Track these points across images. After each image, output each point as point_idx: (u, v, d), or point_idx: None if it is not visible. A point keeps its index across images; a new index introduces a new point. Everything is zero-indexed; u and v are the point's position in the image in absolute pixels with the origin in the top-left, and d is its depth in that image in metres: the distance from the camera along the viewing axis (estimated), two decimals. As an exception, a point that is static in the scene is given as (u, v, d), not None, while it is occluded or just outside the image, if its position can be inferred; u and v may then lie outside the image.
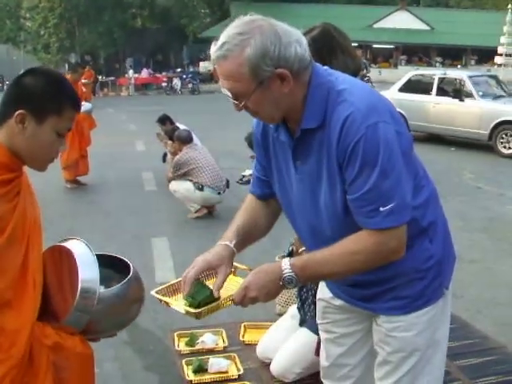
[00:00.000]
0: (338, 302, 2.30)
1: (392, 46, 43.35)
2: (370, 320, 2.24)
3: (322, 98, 1.89)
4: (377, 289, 2.09)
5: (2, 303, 1.85)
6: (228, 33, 1.86)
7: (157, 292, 2.13)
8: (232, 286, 2.13)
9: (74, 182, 10.01)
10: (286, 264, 1.92)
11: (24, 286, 1.93)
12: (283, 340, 3.87)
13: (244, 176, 9.63)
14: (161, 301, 2.12)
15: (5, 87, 59.77)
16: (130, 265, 2.24)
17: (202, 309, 2.00)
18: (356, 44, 37.37)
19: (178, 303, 2.09)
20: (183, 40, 47.42)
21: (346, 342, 2.35)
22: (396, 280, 2.06)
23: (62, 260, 2.14)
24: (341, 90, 1.88)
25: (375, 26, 43.93)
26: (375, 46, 42.28)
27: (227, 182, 8.03)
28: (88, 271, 2.03)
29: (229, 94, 1.89)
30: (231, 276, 2.19)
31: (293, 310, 4.05)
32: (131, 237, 7.04)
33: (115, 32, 46.89)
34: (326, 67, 2.00)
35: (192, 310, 1.99)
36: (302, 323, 3.90)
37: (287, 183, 2.09)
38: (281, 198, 2.19)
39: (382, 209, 1.84)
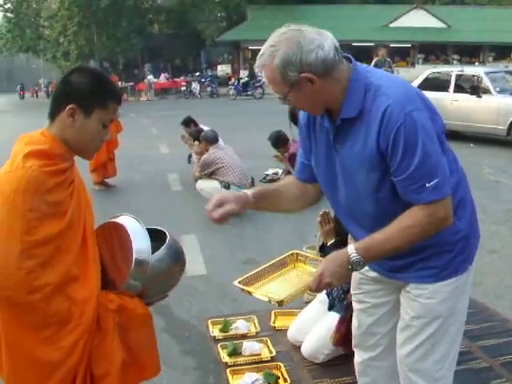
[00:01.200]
0: (372, 274, 2.56)
1: (409, 45, 43.19)
2: (399, 291, 2.49)
3: (361, 91, 2.19)
4: (410, 259, 2.34)
5: (69, 278, 2.10)
6: (266, 44, 2.22)
7: (239, 282, 2.44)
8: (306, 275, 2.44)
9: (102, 184, 10.29)
10: (351, 249, 2.19)
11: (86, 261, 2.18)
12: (313, 323, 4.10)
13: (267, 175, 9.89)
14: (243, 290, 2.41)
15: (25, 96, 60.70)
16: (166, 232, 2.48)
17: (284, 296, 2.25)
18: (372, 44, 37.53)
19: (261, 291, 2.37)
20: (200, 44, 47.80)
21: (377, 312, 2.62)
22: (427, 251, 2.31)
23: (112, 234, 2.40)
24: (379, 85, 2.18)
25: (391, 25, 43.88)
26: (392, 45, 42.21)
27: (252, 180, 8.28)
28: (140, 242, 2.27)
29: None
30: (303, 265, 2.47)
31: (321, 295, 4.27)
32: (161, 234, 7.27)
33: (133, 38, 47.30)
34: (365, 65, 2.33)
35: (276, 298, 2.25)
36: (330, 307, 4.14)
37: (327, 164, 2.37)
38: (321, 178, 2.47)
39: (427, 184, 2.11)
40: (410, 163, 2.10)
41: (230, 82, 37.85)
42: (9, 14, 53.37)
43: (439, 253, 2.33)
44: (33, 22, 52.00)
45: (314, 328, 4.05)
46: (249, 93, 34.07)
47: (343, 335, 3.64)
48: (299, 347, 4.12)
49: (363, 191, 2.27)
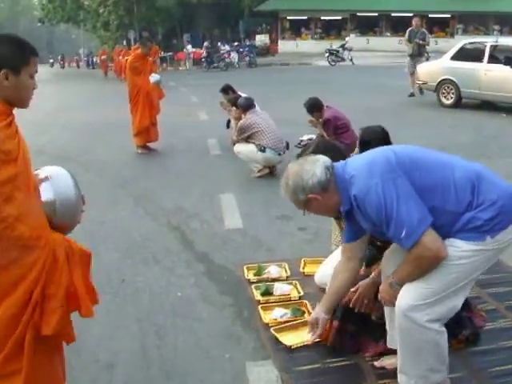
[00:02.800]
0: None
1: (448, 15, 42.57)
2: None
3: (346, 190, 2.96)
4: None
5: (23, 209, 2.54)
6: (283, 176, 3.12)
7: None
8: None
9: (144, 148, 10.80)
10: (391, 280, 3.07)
11: (33, 197, 2.66)
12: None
13: (302, 140, 10.30)
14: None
15: (65, 65, 61.55)
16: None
17: None
18: (411, 14, 37.21)
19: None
20: (239, 14, 47.78)
21: None
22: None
23: None
24: (352, 176, 2.95)
25: (431, -6, 43.28)
26: (431, 15, 41.73)
27: (287, 143, 8.71)
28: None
29: None
30: None
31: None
32: (201, 194, 7.80)
33: (172, 8, 47.52)
34: (338, 164, 3.10)
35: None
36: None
37: None
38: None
39: (401, 236, 2.80)
40: (385, 228, 2.86)
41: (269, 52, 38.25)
42: (50, -15, 54.02)
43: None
44: (73, -8, 52.48)
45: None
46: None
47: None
48: (324, 289, 4.57)
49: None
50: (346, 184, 2.95)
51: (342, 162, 3.11)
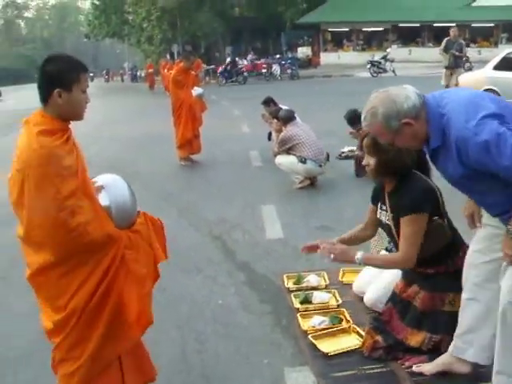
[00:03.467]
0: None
1: (492, 24, 42.15)
2: None
3: (437, 124, 2.80)
4: None
5: (91, 217, 2.77)
6: (365, 109, 2.94)
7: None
8: None
9: (187, 160, 11.05)
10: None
11: (94, 198, 2.88)
12: (375, 277, 4.62)
13: (343, 152, 10.40)
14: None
15: (110, 79, 62.59)
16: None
17: None
18: (454, 24, 36.86)
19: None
20: (281, 27, 48.03)
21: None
22: None
23: None
24: (445, 113, 2.77)
25: (474, 4, 42.71)
26: (474, 24, 41.37)
27: (327, 155, 8.79)
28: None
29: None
30: None
31: (384, 253, 4.78)
32: (243, 205, 7.93)
33: (215, 22, 48.01)
34: (430, 95, 2.92)
35: None
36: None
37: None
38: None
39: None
40: (493, 165, 2.63)
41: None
42: (96, 2, 55.21)
43: None
44: (118, 8, 53.50)
45: (375, 281, 4.57)
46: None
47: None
48: (362, 298, 4.65)
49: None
50: (439, 119, 2.78)
51: (430, 95, 2.93)
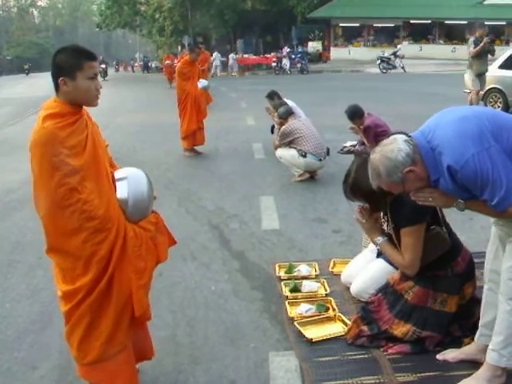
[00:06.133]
0: None
1: (504, 23, 41.85)
2: None
3: (432, 159, 3.00)
4: None
5: (93, 196, 2.93)
6: (370, 170, 3.19)
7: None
8: None
9: (191, 151, 11.20)
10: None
11: (105, 182, 3.06)
12: (363, 268, 4.74)
13: (345, 146, 10.52)
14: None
15: (120, 69, 62.67)
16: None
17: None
18: (465, 22, 36.82)
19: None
20: (292, 21, 47.98)
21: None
22: None
23: None
24: (436, 145, 2.96)
25: (486, 2, 42.63)
26: (486, 22, 41.06)
27: (328, 150, 8.90)
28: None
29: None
30: None
31: (372, 245, 4.89)
32: (242, 196, 8.07)
33: (226, 14, 48.05)
34: (417, 132, 3.13)
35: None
36: (378, 255, 4.75)
37: None
38: None
39: (494, 201, 2.87)
40: (479, 193, 2.91)
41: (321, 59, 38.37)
42: (108, -9, 55.23)
43: None
44: (131, -2, 53.52)
45: (362, 271, 4.70)
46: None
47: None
48: (349, 288, 4.78)
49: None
50: (431, 154, 2.98)
51: (419, 132, 3.13)
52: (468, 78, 14.00)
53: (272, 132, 10.74)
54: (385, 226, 4.16)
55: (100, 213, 2.92)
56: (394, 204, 3.95)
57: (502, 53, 16.48)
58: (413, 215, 3.79)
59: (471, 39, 13.99)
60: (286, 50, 40.43)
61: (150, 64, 56.44)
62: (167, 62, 34.86)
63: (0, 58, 77.36)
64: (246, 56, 44.92)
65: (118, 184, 3.15)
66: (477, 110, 3.12)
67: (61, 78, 2.93)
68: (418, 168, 3.02)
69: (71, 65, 2.94)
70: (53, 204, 2.84)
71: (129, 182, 3.15)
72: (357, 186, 3.98)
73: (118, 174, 3.22)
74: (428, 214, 3.84)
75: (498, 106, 14.58)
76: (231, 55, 42.80)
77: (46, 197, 2.85)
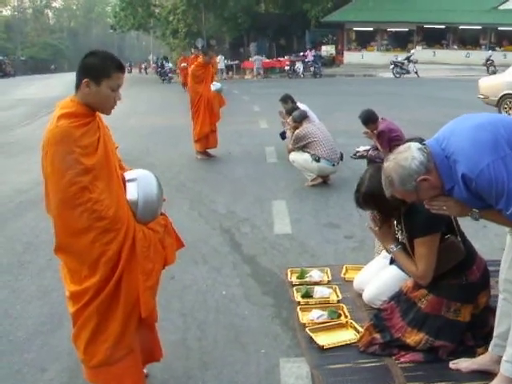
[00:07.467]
0: None
1: (518, 28, 41.82)
2: None
3: (446, 167, 2.95)
4: None
5: (104, 197, 2.93)
6: (383, 179, 3.16)
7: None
8: None
9: (203, 154, 11.19)
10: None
11: (116, 183, 3.08)
12: (375, 274, 4.70)
13: (358, 151, 10.44)
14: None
15: (132, 71, 62.77)
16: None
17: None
18: (480, 27, 36.68)
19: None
20: (305, 24, 47.89)
21: None
22: None
23: None
24: (451, 153, 2.91)
25: (501, 7, 42.08)
26: (500, 28, 40.99)
27: (341, 154, 8.86)
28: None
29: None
30: None
31: (385, 252, 4.85)
32: (254, 199, 8.05)
33: (240, 17, 48.03)
34: (432, 140, 3.08)
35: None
36: (391, 262, 4.71)
37: None
38: None
39: (510, 210, 2.81)
40: (494, 202, 2.85)
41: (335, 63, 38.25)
42: (123, -6, 55.31)
43: None
44: (144, 0, 53.60)
45: (374, 278, 4.66)
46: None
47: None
48: (362, 294, 4.74)
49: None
50: (446, 162, 2.94)
51: (433, 139, 3.09)
52: None
53: (282, 138, 10.69)
54: (399, 235, 4.12)
55: (110, 213, 2.92)
56: (408, 214, 3.91)
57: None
58: (426, 225, 3.75)
59: None
60: (312, 53, 40.18)
61: (166, 69, 42.60)
62: (183, 64, 32.03)
63: (14, 59, 77.56)
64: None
65: (128, 185, 3.15)
66: (493, 117, 3.06)
67: (85, 80, 2.94)
68: (432, 176, 2.97)
69: (100, 70, 2.96)
70: (63, 203, 2.84)
71: (139, 183, 3.15)
72: (369, 195, 3.94)
73: (128, 176, 3.22)
74: (442, 224, 3.81)
75: (513, 112, 14.51)
76: (256, 57, 42.58)
77: (57, 195, 2.85)
